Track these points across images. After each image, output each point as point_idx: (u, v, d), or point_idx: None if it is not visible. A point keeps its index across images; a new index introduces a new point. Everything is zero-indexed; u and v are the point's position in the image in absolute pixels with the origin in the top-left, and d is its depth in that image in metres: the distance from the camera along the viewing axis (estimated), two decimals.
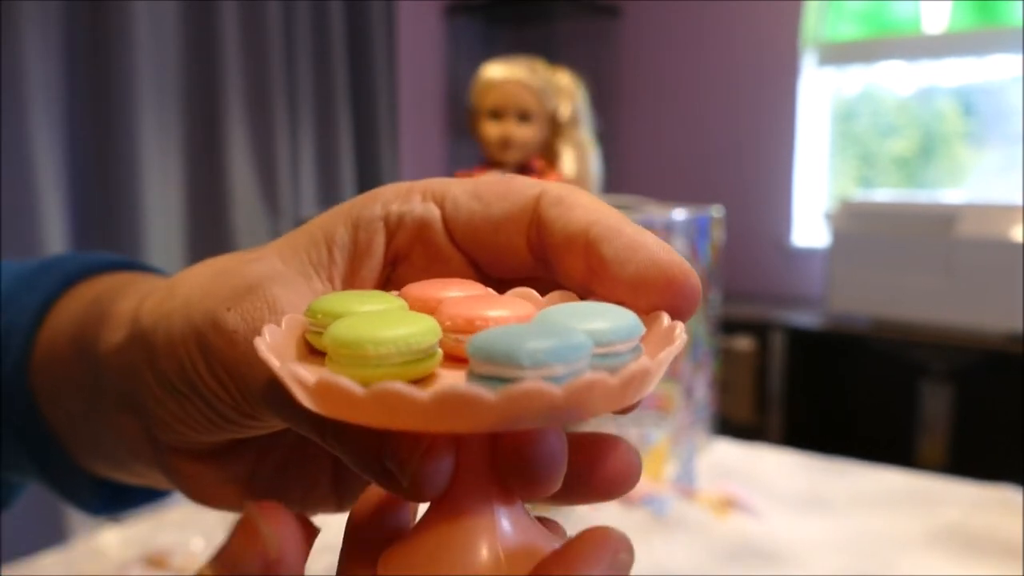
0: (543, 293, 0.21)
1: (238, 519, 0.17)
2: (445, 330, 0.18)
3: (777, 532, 0.83)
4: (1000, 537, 0.81)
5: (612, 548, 0.16)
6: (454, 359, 0.19)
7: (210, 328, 0.21)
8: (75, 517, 1.57)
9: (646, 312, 0.20)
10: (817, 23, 2.49)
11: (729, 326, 2.12)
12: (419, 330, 0.17)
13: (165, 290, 0.24)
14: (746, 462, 1.03)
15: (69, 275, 0.30)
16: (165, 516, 0.90)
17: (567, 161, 1.00)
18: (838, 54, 2.50)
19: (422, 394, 0.15)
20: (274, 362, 0.17)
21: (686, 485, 0.93)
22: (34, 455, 0.30)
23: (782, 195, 2.55)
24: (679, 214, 0.98)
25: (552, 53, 2.04)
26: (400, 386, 0.15)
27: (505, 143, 0.96)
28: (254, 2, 1.89)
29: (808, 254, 2.49)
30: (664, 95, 2.70)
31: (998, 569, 0.75)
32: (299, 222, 2.06)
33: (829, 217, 2.14)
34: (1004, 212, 1.90)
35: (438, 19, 2.65)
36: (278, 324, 0.20)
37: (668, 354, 0.17)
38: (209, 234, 1.83)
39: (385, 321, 0.18)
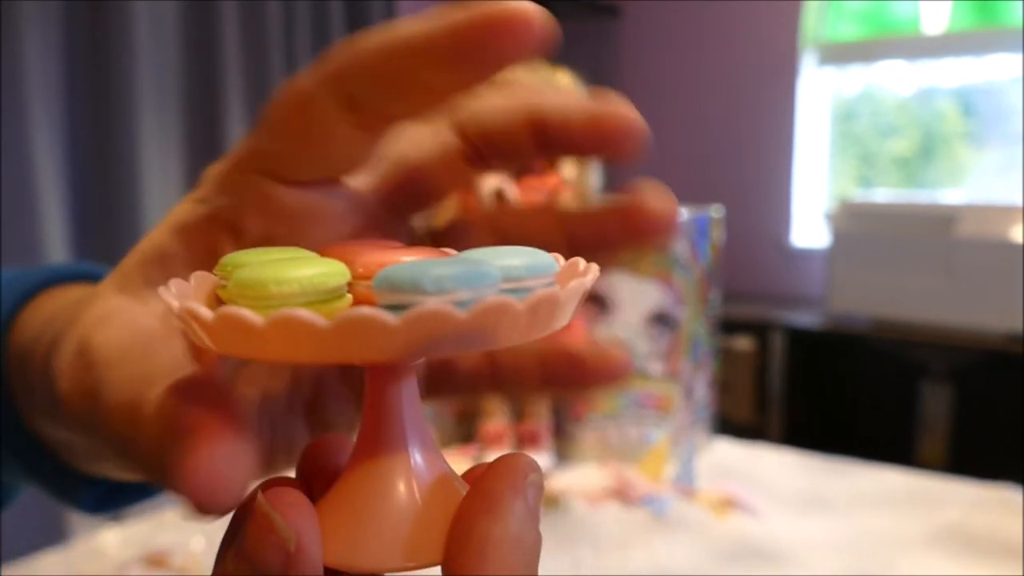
0: None
1: (249, 511, 0.16)
2: (358, 277, 0.18)
3: (777, 532, 0.83)
4: (1000, 537, 0.81)
5: (523, 472, 0.17)
6: (363, 304, 0.18)
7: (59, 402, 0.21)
8: (75, 517, 1.57)
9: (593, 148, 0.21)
10: (817, 23, 2.49)
11: (729, 326, 2.12)
12: (325, 271, 0.17)
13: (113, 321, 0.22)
14: (746, 462, 1.03)
15: (36, 282, 0.30)
16: (165, 516, 0.90)
17: (567, 161, 1.00)
18: (838, 54, 2.50)
19: (323, 320, 0.15)
20: (173, 302, 0.17)
21: (686, 485, 0.93)
22: (21, 457, 0.29)
23: (782, 195, 2.55)
24: (679, 214, 0.98)
25: (552, 53, 2.04)
26: (301, 312, 0.15)
27: None
28: (254, 2, 1.89)
29: (808, 254, 2.49)
30: (664, 95, 2.70)
31: (998, 569, 0.75)
32: None
33: (829, 217, 2.14)
34: (1004, 212, 1.90)
35: None
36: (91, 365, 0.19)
37: (578, 284, 0.18)
38: None
39: (291, 264, 0.17)
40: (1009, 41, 2.23)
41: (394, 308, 0.16)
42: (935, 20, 2.38)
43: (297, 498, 0.16)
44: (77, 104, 1.60)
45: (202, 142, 1.81)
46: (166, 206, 1.73)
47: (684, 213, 0.99)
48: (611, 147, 0.21)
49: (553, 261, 0.18)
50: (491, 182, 0.95)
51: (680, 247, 0.98)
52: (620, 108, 0.21)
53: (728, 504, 0.89)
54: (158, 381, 0.18)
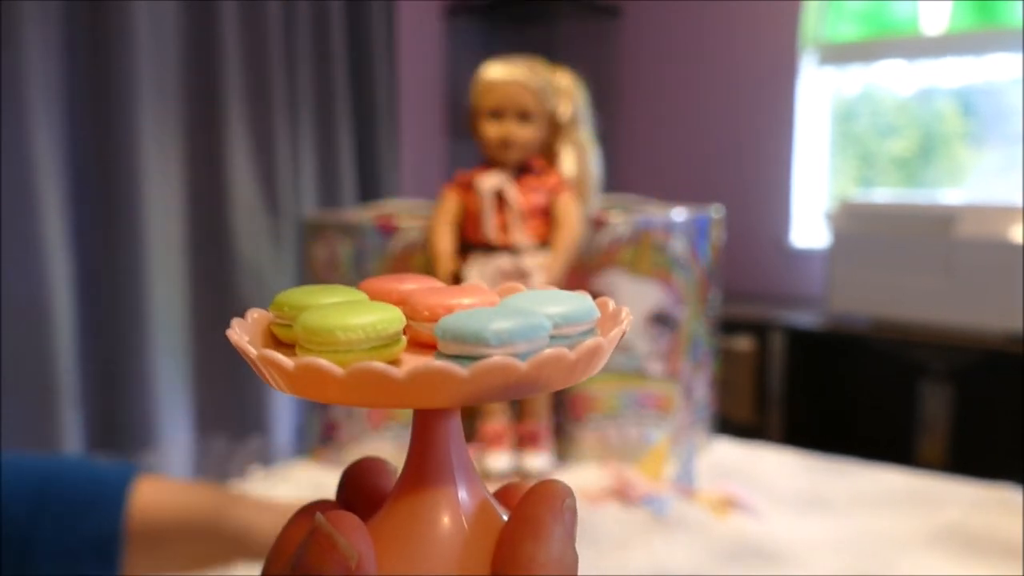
0: None
1: (309, 531, 0.18)
2: (418, 319, 0.20)
3: (777, 532, 0.83)
4: (1000, 537, 0.81)
5: (561, 497, 0.19)
6: (419, 346, 0.20)
7: None
8: None
9: None
10: (817, 23, 2.49)
11: (729, 326, 2.12)
12: (386, 317, 0.19)
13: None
14: (746, 462, 1.03)
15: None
16: None
17: (567, 161, 1.00)
18: (838, 54, 2.50)
19: (398, 371, 0.16)
20: (250, 350, 0.18)
21: (686, 485, 0.93)
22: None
23: (782, 195, 2.55)
24: (679, 214, 0.98)
25: (552, 53, 2.04)
26: (378, 365, 0.16)
27: (505, 143, 0.96)
28: (254, 2, 1.89)
29: (808, 254, 2.49)
30: (664, 95, 2.70)
31: (998, 569, 0.75)
32: (299, 222, 2.05)
33: (829, 217, 2.14)
34: (1004, 212, 1.90)
35: (438, 19, 2.65)
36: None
37: (617, 332, 0.20)
38: (209, 234, 1.83)
39: (353, 310, 0.19)
40: (1009, 41, 2.23)
41: (458, 358, 0.18)
42: (935, 20, 2.38)
43: (355, 521, 0.18)
44: (77, 104, 1.60)
45: (202, 142, 1.81)
46: (166, 206, 1.73)
47: (684, 213, 0.99)
48: None
49: (593, 306, 0.21)
50: (491, 182, 0.95)
51: (680, 247, 0.98)
52: None
53: (728, 504, 0.89)
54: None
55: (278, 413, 1.92)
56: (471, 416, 1.02)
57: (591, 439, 1.00)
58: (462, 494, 0.20)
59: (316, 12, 2.06)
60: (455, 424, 0.20)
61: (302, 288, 0.21)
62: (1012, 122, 2.28)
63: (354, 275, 1.01)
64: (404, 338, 0.19)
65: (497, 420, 0.97)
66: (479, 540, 0.19)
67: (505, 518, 0.19)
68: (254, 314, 0.21)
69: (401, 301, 0.20)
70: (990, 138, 2.41)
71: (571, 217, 0.95)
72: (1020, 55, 2.20)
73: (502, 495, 0.21)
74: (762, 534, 0.82)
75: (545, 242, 0.96)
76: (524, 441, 0.97)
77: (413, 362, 0.17)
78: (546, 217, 0.96)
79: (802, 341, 2.21)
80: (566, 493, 0.19)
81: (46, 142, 1.52)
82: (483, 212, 0.95)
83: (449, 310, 0.19)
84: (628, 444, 0.99)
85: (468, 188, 0.97)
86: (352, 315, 0.18)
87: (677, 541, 0.81)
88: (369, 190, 2.22)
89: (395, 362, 0.18)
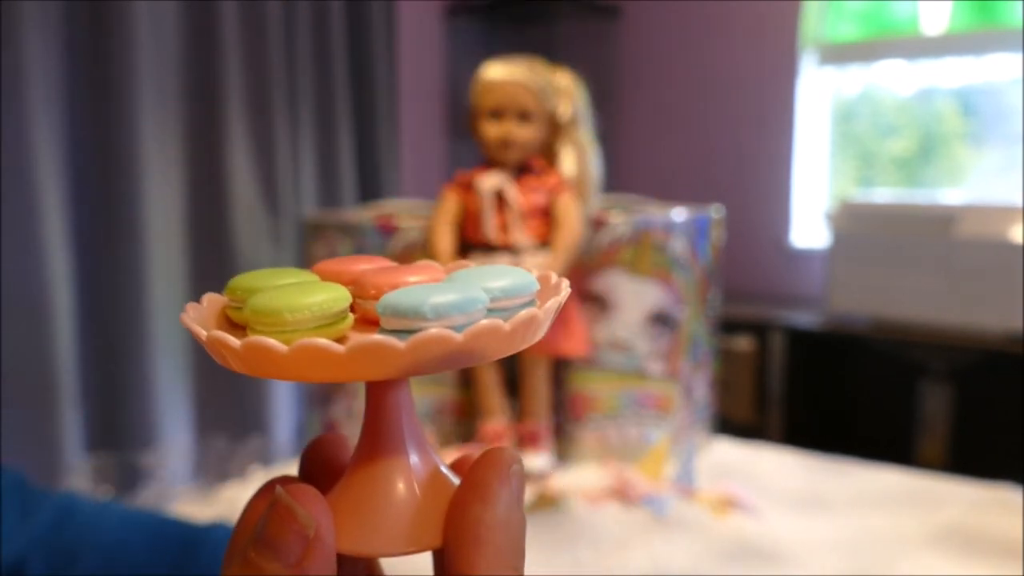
0: None
1: (269, 503, 0.18)
2: (366, 297, 0.21)
3: (777, 532, 0.83)
4: (1000, 537, 0.81)
5: (507, 463, 0.20)
6: (368, 323, 0.21)
7: None
8: None
9: None
10: (817, 23, 2.49)
11: (729, 326, 2.12)
12: (331, 297, 0.19)
13: None
14: (746, 462, 1.03)
15: None
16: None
17: (567, 161, 1.00)
18: (838, 54, 2.50)
19: (338, 346, 0.17)
20: (200, 331, 0.19)
21: (686, 485, 0.93)
22: None
23: (782, 195, 2.55)
24: (679, 214, 0.98)
25: (552, 53, 2.04)
26: (320, 341, 0.17)
27: (505, 143, 0.96)
28: (254, 2, 1.89)
29: (808, 254, 2.49)
30: (664, 95, 2.70)
31: (998, 569, 0.75)
32: (299, 222, 2.05)
33: (829, 217, 2.14)
34: (1004, 212, 1.90)
35: (438, 19, 2.65)
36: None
37: (553, 303, 0.20)
38: (209, 234, 1.83)
39: (300, 291, 0.20)
40: (1009, 41, 2.23)
41: (398, 332, 0.18)
42: (935, 20, 2.38)
43: (313, 492, 0.19)
44: (77, 104, 1.60)
45: (202, 142, 1.81)
46: (166, 206, 1.73)
47: (684, 213, 0.99)
48: None
49: (534, 280, 0.21)
50: (491, 182, 0.95)
51: (680, 247, 0.98)
52: None
53: (728, 504, 0.89)
54: None
55: (278, 413, 1.92)
56: (471, 416, 1.02)
57: (591, 439, 1.00)
58: (414, 462, 0.21)
59: (316, 12, 2.06)
60: (405, 396, 0.21)
61: (255, 272, 0.22)
62: (1012, 122, 2.28)
63: None
64: (351, 316, 0.20)
65: (497, 420, 0.97)
66: (431, 506, 0.20)
67: (457, 484, 0.20)
68: (209, 298, 0.22)
69: (353, 281, 0.21)
70: (990, 138, 2.41)
71: (571, 217, 0.95)
72: (1020, 55, 2.20)
73: (457, 465, 0.22)
74: (762, 534, 0.82)
75: (545, 242, 0.96)
76: (524, 441, 0.97)
77: (355, 338, 0.18)
78: (546, 217, 0.96)
79: (802, 341, 2.21)
80: (513, 459, 0.20)
81: (46, 142, 1.52)
82: (483, 212, 0.95)
83: (395, 287, 0.20)
84: (628, 444, 0.99)
85: (468, 188, 0.97)
86: (299, 296, 0.19)
87: (677, 541, 0.81)
88: (369, 190, 2.22)
89: (342, 340, 0.19)
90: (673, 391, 0.99)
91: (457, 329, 0.18)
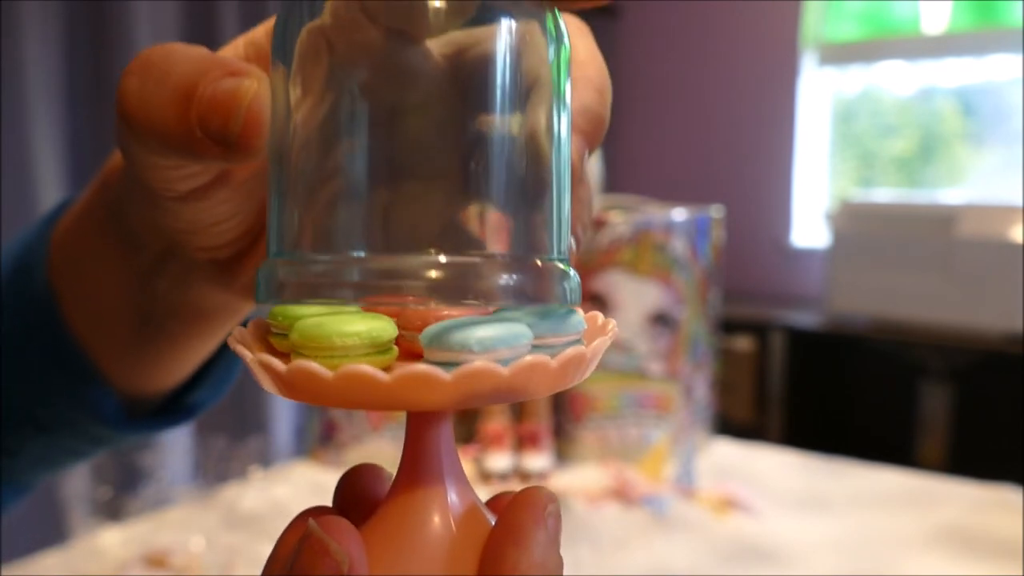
0: None
1: (301, 536, 0.18)
2: (411, 329, 0.21)
3: (777, 532, 0.83)
4: (999, 537, 0.81)
5: (543, 504, 0.19)
6: (413, 356, 0.21)
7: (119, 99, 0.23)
8: (75, 517, 1.56)
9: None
10: (817, 23, 2.49)
11: (729, 326, 2.12)
12: (380, 325, 0.19)
13: None
14: (746, 462, 1.03)
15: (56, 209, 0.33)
16: (165, 516, 0.90)
17: None
18: (838, 54, 2.50)
19: (385, 376, 0.17)
20: (246, 353, 0.19)
21: (686, 485, 0.93)
22: (63, 368, 0.32)
23: (782, 195, 2.55)
24: (679, 214, 0.98)
25: None
26: (365, 367, 0.17)
27: None
28: (254, 2, 1.89)
29: (808, 254, 2.49)
30: (664, 95, 2.70)
31: (998, 569, 0.75)
32: None
33: (829, 217, 2.14)
34: (1004, 212, 1.90)
35: None
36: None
37: (602, 343, 0.20)
38: None
39: (349, 318, 0.20)
40: (1009, 41, 2.23)
41: (444, 364, 0.18)
42: (935, 20, 2.38)
43: (346, 526, 0.18)
44: (77, 104, 1.60)
45: None
46: None
47: (684, 213, 0.99)
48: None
49: (581, 319, 0.21)
50: None
51: (680, 247, 0.98)
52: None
53: (728, 504, 0.89)
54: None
55: (278, 413, 1.92)
56: (471, 416, 1.02)
57: (591, 439, 1.00)
58: (452, 499, 0.20)
59: (316, 13, 2.06)
60: (446, 430, 0.21)
61: (297, 305, 0.21)
62: (1012, 122, 2.28)
63: None
64: (396, 348, 0.20)
65: (497, 420, 0.97)
66: (467, 544, 0.20)
67: (493, 523, 0.20)
68: (255, 322, 0.22)
69: (397, 313, 0.21)
70: (990, 138, 2.41)
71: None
72: (1020, 55, 2.20)
73: (493, 503, 0.22)
74: (762, 534, 0.82)
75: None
76: (524, 441, 0.97)
77: (402, 367, 0.18)
78: None
79: (802, 341, 2.21)
80: (549, 499, 0.20)
81: (46, 142, 1.52)
82: None
83: (440, 320, 0.20)
84: (628, 444, 0.99)
85: None
86: (348, 323, 0.19)
87: (677, 541, 0.81)
88: None
89: (387, 370, 0.19)
90: (673, 391, 0.99)
91: (504, 363, 0.18)
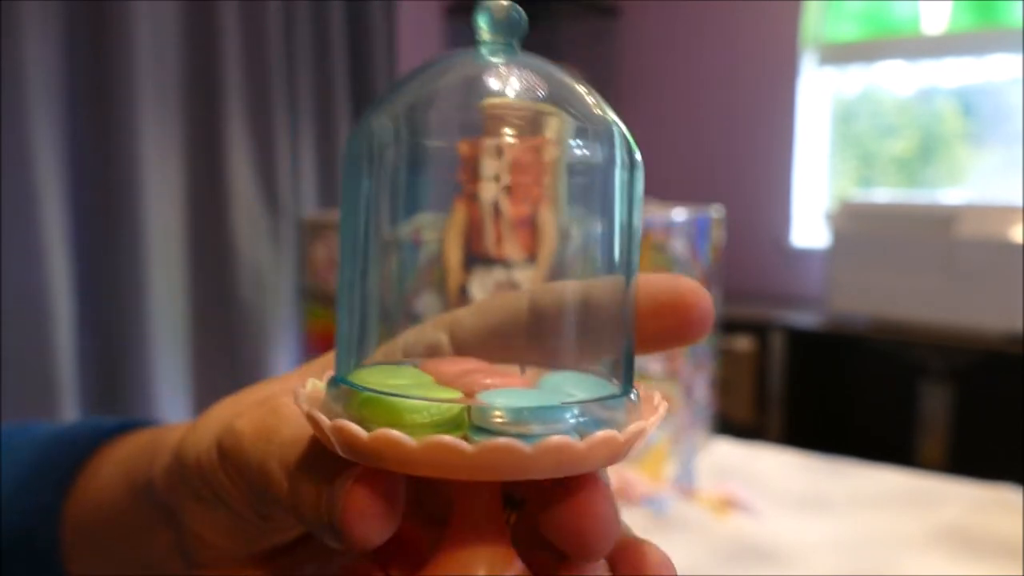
0: None
1: None
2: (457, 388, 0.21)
3: (777, 532, 0.83)
4: (1000, 537, 0.81)
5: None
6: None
7: (224, 434, 0.23)
8: None
9: (659, 340, 0.23)
10: (817, 23, 2.49)
11: (729, 326, 2.12)
12: (448, 398, 0.20)
13: (203, 414, 0.26)
14: (746, 462, 1.03)
15: (81, 450, 0.32)
16: None
17: None
18: (838, 54, 2.50)
19: (468, 447, 0.18)
20: (323, 419, 0.19)
21: (686, 485, 0.93)
22: None
23: (782, 195, 2.55)
24: (679, 214, 0.98)
25: (552, 53, 2.04)
26: (449, 439, 0.18)
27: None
28: (254, 2, 1.89)
29: (808, 254, 2.49)
30: (664, 95, 2.70)
31: (998, 569, 0.75)
32: (299, 222, 2.03)
33: (829, 217, 2.14)
34: (1004, 212, 1.90)
35: (438, 19, 2.65)
36: (284, 426, 0.22)
37: (637, 427, 0.20)
38: (209, 234, 1.83)
39: (419, 391, 0.20)
40: (1009, 41, 2.23)
41: (521, 437, 0.19)
42: (935, 20, 2.38)
43: None
44: (77, 104, 1.60)
45: (202, 142, 1.81)
46: (166, 206, 1.73)
47: (684, 213, 0.99)
48: (678, 336, 0.22)
49: (636, 393, 0.22)
50: (493, 191, 0.95)
51: (680, 247, 0.98)
52: (687, 286, 0.22)
53: (728, 504, 0.89)
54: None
55: None
56: None
57: None
58: (494, 558, 0.20)
59: (316, 12, 2.06)
60: (497, 494, 0.21)
61: (364, 368, 0.22)
62: (1012, 122, 2.28)
63: None
64: (466, 420, 0.20)
65: None
66: None
67: None
68: (313, 382, 0.22)
69: (462, 383, 0.21)
70: (990, 138, 2.41)
71: (547, 228, 0.95)
72: (1020, 55, 2.20)
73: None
74: (762, 534, 0.82)
75: (534, 255, 0.96)
76: None
77: (484, 440, 0.18)
78: (532, 228, 0.96)
79: (802, 341, 2.21)
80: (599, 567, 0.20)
81: (46, 141, 1.52)
82: (484, 222, 0.95)
83: (483, 386, 0.20)
84: None
85: (473, 198, 0.97)
86: (420, 396, 0.20)
87: (677, 541, 0.81)
88: None
89: (464, 438, 0.19)
90: (673, 391, 0.99)
91: (530, 439, 0.19)
